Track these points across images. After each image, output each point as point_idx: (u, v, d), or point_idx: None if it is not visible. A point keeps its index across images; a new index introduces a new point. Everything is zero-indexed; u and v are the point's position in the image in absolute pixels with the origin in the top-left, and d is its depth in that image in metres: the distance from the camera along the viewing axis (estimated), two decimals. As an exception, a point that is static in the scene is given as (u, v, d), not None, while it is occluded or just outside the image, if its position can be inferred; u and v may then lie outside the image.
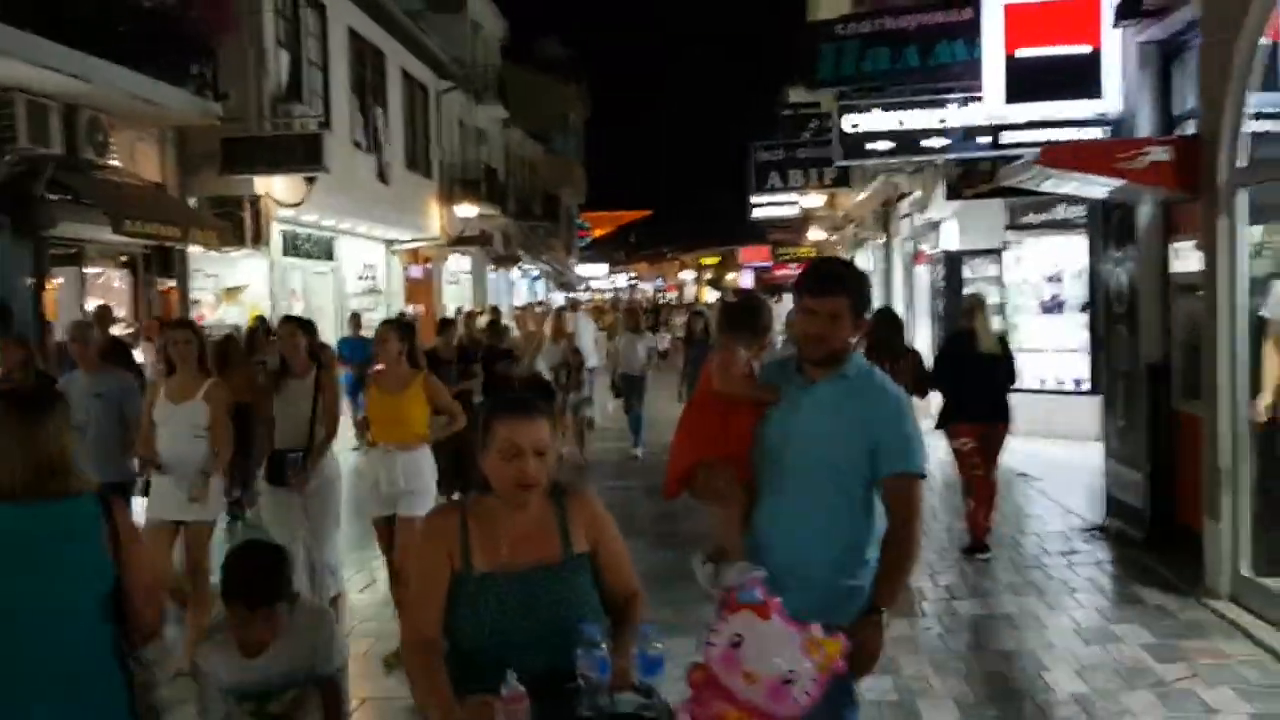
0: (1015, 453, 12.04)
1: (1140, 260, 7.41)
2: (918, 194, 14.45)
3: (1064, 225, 13.33)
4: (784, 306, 30.93)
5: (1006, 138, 8.80)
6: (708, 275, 72.47)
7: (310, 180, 15.74)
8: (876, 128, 10.06)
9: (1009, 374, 8.15)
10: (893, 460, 3.06)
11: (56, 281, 12.49)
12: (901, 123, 10.00)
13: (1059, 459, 11.63)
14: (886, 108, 10.05)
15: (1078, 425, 13.05)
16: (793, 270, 44.06)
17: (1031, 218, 13.53)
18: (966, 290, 13.67)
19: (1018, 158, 7.71)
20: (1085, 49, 7.66)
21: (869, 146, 10.17)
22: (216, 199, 15.32)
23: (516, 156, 39.58)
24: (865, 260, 23.96)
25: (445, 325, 10.94)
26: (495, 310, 24.01)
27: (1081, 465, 11.37)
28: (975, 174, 11.28)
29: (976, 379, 7.89)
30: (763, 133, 17.15)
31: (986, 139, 9.45)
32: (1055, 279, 13.76)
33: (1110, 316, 7.95)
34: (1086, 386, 13.26)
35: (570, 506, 2.77)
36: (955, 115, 9.82)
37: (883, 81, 10.29)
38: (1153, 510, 7.52)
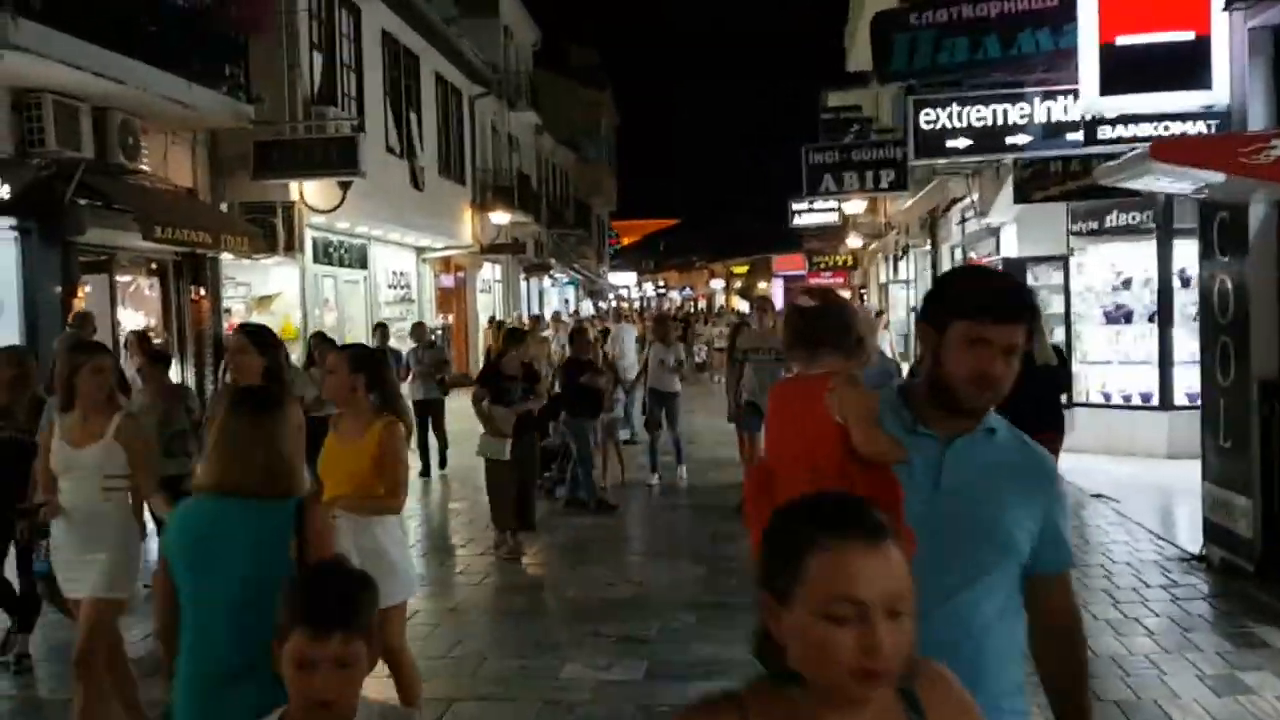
0: (1083, 471, 11.51)
1: (1253, 265, 6.81)
2: (974, 198, 13.84)
3: (1130, 231, 12.72)
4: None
5: (1104, 133, 8.17)
6: (737, 284, 71.85)
7: (345, 185, 15.33)
8: (954, 124, 9.46)
9: (1063, 383, 8.05)
10: (1056, 551, 2.33)
11: (85, 290, 12.11)
12: (982, 118, 9.40)
13: (1132, 478, 11.01)
14: (964, 103, 9.46)
15: (1146, 442, 12.43)
16: (827, 279, 43.51)
17: (1096, 223, 12.90)
18: (1029, 299, 13.10)
19: (1111, 156, 7.14)
20: (1190, 35, 7.06)
21: (948, 144, 9.56)
22: (249, 205, 14.96)
23: (548, 164, 39.25)
24: (910, 269, 23.38)
25: (515, 336, 9.84)
26: (536, 318, 23.58)
27: (1159, 485, 10.79)
28: (1045, 175, 10.65)
29: (1030, 389, 7.35)
30: (798, 140, 16.54)
31: (1076, 135, 8.83)
32: (1121, 287, 13.11)
33: (1214, 327, 7.32)
34: (1155, 401, 12.60)
35: (928, 698, 1.64)
36: (1040, 110, 9.21)
37: (960, 74, 9.67)
38: (1264, 539, 6.90)
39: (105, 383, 4.79)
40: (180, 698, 2.91)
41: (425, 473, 12.55)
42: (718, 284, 72.40)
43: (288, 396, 3.35)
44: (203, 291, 14.26)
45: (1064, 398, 8.49)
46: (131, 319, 13.49)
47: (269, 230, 14.77)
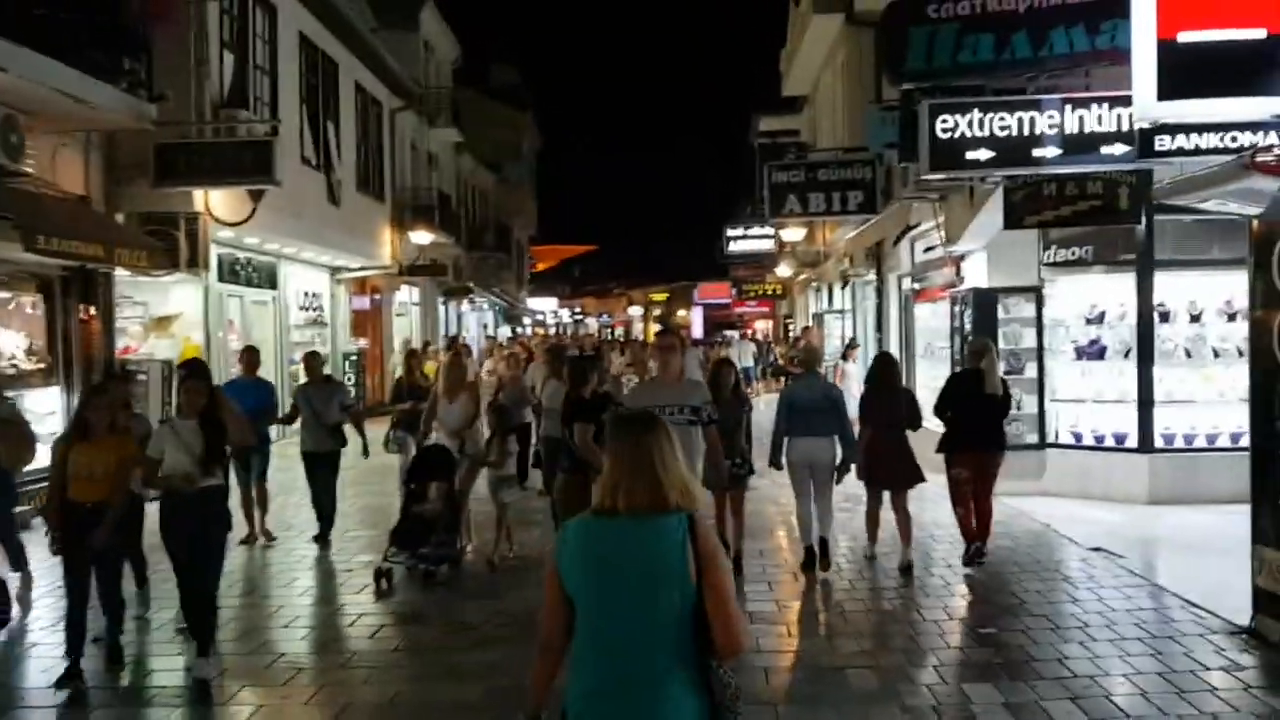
0: (1066, 519, 10.69)
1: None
2: (939, 223, 13.02)
3: (1105, 262, 12.03)
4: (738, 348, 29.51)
5: (1161, 143, 7.26)
6: (656, 311, 71.22)
7: (256, 195, 13.92)
8: (975, 132, 8.47)
9: (1006, 410, 9.19)
10: None
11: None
12: (1006, 127, 8.44)
13: (1123, 528, 10.21)
14: (986, 109, 8.48)
15: (1124, 486, 11.72)
16: (752, 307, 42.94)
17: (1069, 253, 12.17)
18: (1002, 330, 12.31)
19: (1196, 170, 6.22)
20: (1261, 33, 6.18)
21: (968, 155, 8.56)
22: (148, 215, 13.48)
23: (468, 184, 37.95)
24: (848, 299, 22.64)
25: (588, 362, 8.44)
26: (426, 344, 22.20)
27: (1159, 537, 10.03)
28: (1039, 198, 9.76)
29: (980, 415, 8.80)
30: (726, 167, 15.08)
31: (1110, 149, 7.96)
32: (1095, 321, 12.40)
33: (1274, 368, 6.43)
34: (1133, 443, 11.86)
35: None
36: (1071, 119, 8.29)
37: (984, 77, 8.71)
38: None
39: None
40: (580, 707, 2.97)
41: (324, 538, 10.04)
42: (635, 311, 71.68)
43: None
44: (93, 311, 12.72)
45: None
46: (10, 341, 11.95)
47: (170, 244, 13.31)
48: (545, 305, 61.26)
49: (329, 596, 8.47)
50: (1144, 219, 10.94)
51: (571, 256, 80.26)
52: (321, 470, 10.17)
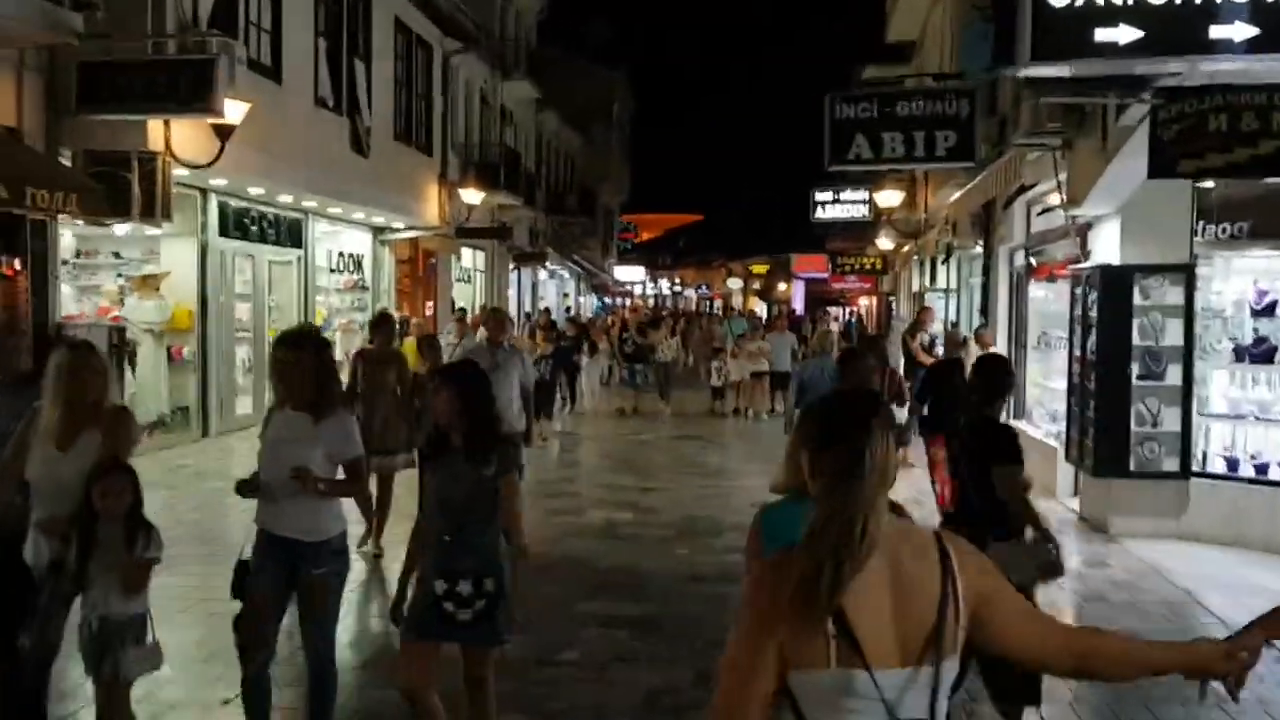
0: (1211, 579, 7.87)
1: None
2: (1057, 180, 10.05)
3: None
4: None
5: None
6: (755, 285, 68.30)
7: (224, 133, 11.61)
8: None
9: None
10: None
11: None
12: None
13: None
14: None
15: (1300, 533, 8.77)
16: (851, 283, 39.73)
17: (1232, 223, 9.24)
18: (1138, 321, 9.37)
19: None
20: None
21: (1098, 36, 5.56)
22: (96, 154, 11.33)
23: (550, 145, 35.59)
24: (952, 276, 19.60)
25: None
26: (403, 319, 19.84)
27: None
28: (1202, 135, 6.74)
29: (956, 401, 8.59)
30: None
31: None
32: (1264, 313, 9.41)
33: None
34: (1315, 475, 8.89)
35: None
36: None
37: None
38: None
39: None
40: None
41: None
42: (735, 283, 68.79)
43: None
44: (18, 264, 10.67)
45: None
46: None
47: (121, 187, 11.15)
48: (633, 275, 58.72)
49: None
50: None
51: (677, 226, 77.86)
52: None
